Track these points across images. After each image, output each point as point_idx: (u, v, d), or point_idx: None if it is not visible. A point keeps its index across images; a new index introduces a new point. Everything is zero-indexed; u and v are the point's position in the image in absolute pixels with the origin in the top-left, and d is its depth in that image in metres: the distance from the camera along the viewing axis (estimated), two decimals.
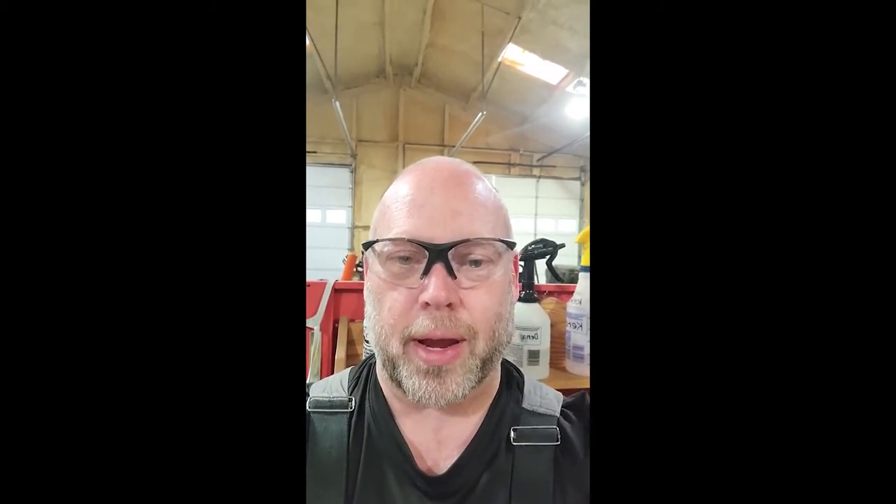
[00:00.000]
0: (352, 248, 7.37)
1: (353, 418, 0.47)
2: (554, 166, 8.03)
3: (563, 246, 0.99)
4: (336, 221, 7.59)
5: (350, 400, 0.47)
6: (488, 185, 0.46)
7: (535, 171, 8.09)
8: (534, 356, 0.87)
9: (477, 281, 0.41)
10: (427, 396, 0.40)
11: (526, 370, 0.80)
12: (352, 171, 7.61)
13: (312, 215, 7.37)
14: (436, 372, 0.40)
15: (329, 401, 0.47)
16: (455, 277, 0.40)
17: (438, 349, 0.40)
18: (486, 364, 0.42)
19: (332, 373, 0.76)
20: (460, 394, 0.41)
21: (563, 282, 1.15)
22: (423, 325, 0.40)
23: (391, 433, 0.45)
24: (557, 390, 0.52)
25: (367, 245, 0.44)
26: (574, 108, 6.31)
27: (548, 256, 0.97)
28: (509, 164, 8.01)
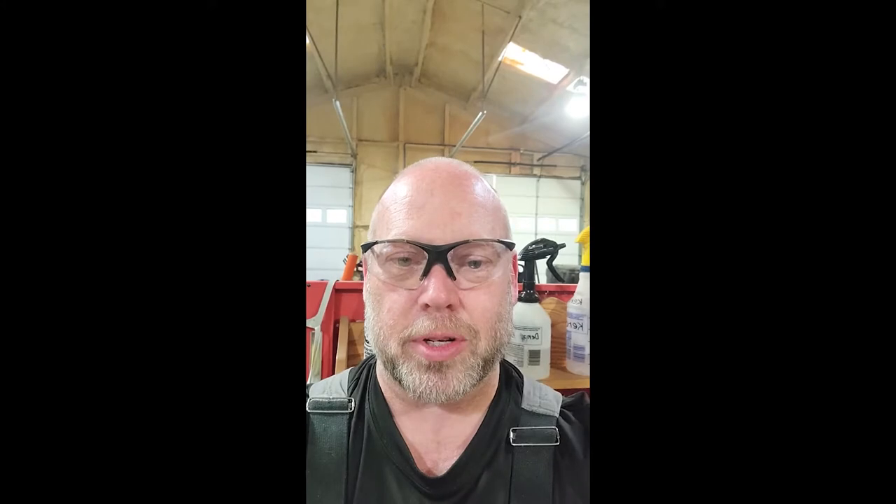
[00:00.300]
0: (352, 248, 7.37)
1: (353, 419, 0.47)
2: (554, 166, 8.02)
3: (563, 246, 0.99)
4: (336, 221, 7.59)
5: (350, 401, 0.47)
6: (487, 185, 0.46)
7: (536, 171, 8.09)
8: (534, 356, 0.87)
9: (476, 282, 0.41)
10: (428, 391, 0.40)
11: (526, 370, 0.80)
12: (352, 171, 7.61)
13: (313, 215, 7.36)
14: (437, 367, 0.40)
15: (329, 402, 0.47)
16: (454, 278, 0.40)
17: (439, 345, 0.40)
18: (487, 363, 0.42)
19: (333, 373, 0.76)
20: (461, 389, 0.41)
21: (563, 282, 1.15)
22: (422, 325, 0.40)
23: (391, 434, 0.45)
24: (558, 390, 0.52)
25: (366, 247, 0.44)
26: (574, 108, 6.30)
27: (548, 256, 0.97)
28: (510, 164, 8.00)
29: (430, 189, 0.42)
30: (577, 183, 8.25)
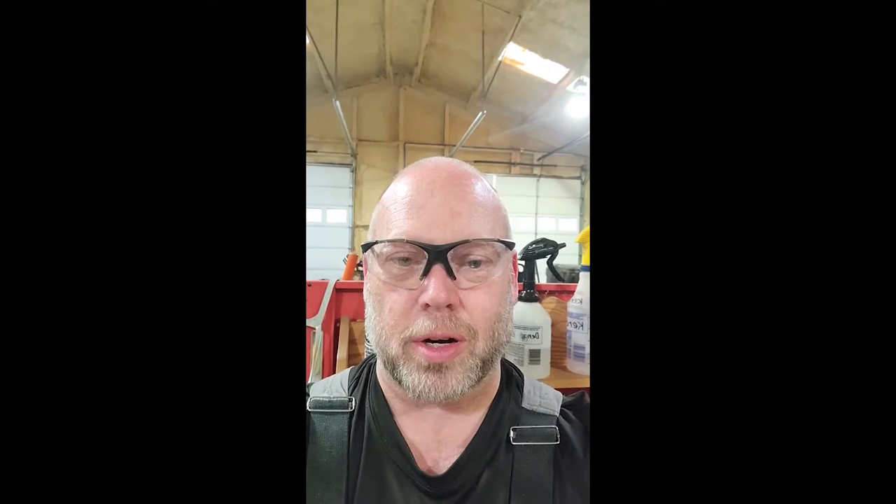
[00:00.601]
0: (352, 248, 7.37)
1: (354, 418, 0.47)
2: (554, 165, 8.02)
3: (563, 245, 0.99)
4: (337, 221, 7.59)
5: (350, 400, 0.47)
6: (487, 185, 0.46)
7: (536, 171, 8.08)
8: (535, 355, 0.87)
9: (476, 281, 0.41)
10: (427, 391, 0.40)
11: (527, 369, 0.80)
12: (352, 171, 7.60)
13: (313, 215, 7.36)
14: (436, 368, 0.40)
15: (329, 401, 0.47)
16: (454, 278, 0.40)
17: (438, 346, 0.40)
18: (485, 364, 0.42)
19: (334, 372, 0.77)
20: (459, 390, 0.41)
21: (563, 281, 1.15)
22: (423, 325, 0.40)
23: (391, 433, 0.45)
24: (559, 389, 0.52)
25: (367, 247, 0.44)
26: (574, 107, 6.30)
27: (548, 256, 0.98)
28: (510, 164, 8.00)
29: (430, 189, 0.42)
30: (577, 183, 8.25)
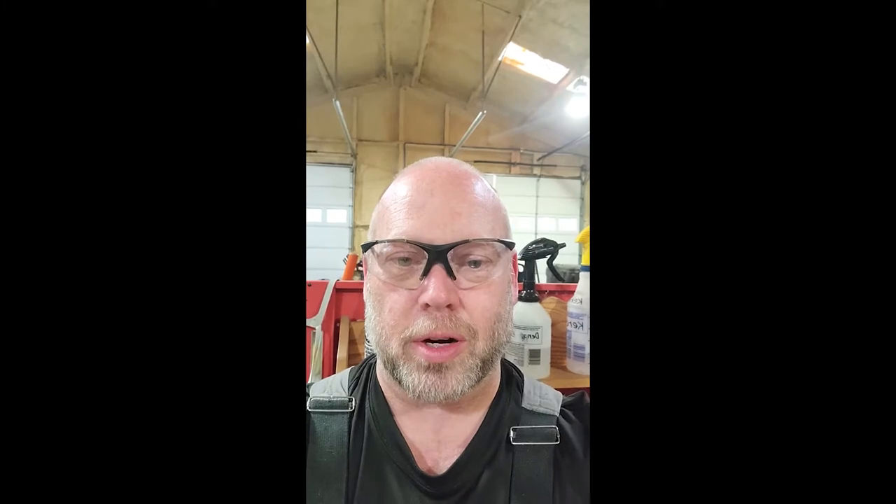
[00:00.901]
0: (352, 248, 7.37)
1: (354, 418, 0.47)
2: (554, 165, 8.02)
3: (563, 245, 0.99)
4: (336, 221, 7.59)
5: (350, 400, 0.47)
6: (487, 185, 0.46)
7: (536, 171, 8.08)
8: (535, 355, 0.87)
9: (476, 281, 0.41)
10: (427, 391, 0.40)
11: (527, 369, 0.80)
12: (352, 171, 7.61)
13: (313, 215, 7.36)
14: (436, 368, 0.40)
15: (329, 401, 0.47)
16: (454, 278, 0.40)
17: (438, 346, 0.41)
18: (485, 364, 0.42)
19: (334, 372, 0.77)
20: (459, 390, 0.41)
21: (563, 281, 1.15)
22: (423, 325, 0.40)
23: (391, 433, 0.45)
24: (559, 389, 0.52)
25: (367, 247, 0.44)
26: (574, 107, 6.30)
27: (548, 256, 0.98)
28: (510, 164, 8.00)
29: (430, 189, 0.42)
30: (577, 183, 8.25)
